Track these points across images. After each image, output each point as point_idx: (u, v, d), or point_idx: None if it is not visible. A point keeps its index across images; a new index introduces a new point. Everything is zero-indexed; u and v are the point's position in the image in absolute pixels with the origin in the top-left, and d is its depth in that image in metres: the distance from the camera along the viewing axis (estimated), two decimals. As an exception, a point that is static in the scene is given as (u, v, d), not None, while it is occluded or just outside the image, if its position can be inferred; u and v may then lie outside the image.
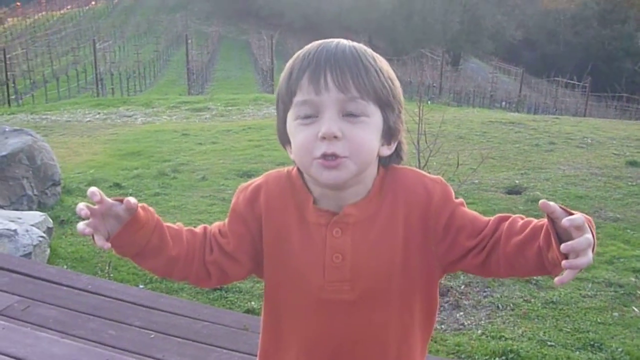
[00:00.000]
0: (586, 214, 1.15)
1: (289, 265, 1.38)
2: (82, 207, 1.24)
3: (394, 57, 34.84)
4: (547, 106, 28.31)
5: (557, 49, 47.86)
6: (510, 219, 1.31)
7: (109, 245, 1.28)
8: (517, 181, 7.34)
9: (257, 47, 35.66)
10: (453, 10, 45.05)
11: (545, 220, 1.19)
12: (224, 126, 11.61)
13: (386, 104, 1.31)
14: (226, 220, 1.44)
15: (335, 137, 1.25)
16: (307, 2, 45.85)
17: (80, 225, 1.26)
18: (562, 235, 1.14)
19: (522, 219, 1.29)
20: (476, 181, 7.13)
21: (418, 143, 4.91)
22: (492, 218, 1.34)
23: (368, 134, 1.29)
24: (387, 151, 1.35)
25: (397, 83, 1.35)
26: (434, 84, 25.79)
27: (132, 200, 1.27)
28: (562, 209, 1.14)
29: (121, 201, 1.28)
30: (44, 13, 44.38)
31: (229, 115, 13.78)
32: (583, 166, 8.20)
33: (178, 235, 1.39)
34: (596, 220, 5.86)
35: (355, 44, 1.33)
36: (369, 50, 1.33)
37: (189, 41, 25.48)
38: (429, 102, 19.11)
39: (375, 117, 1.30)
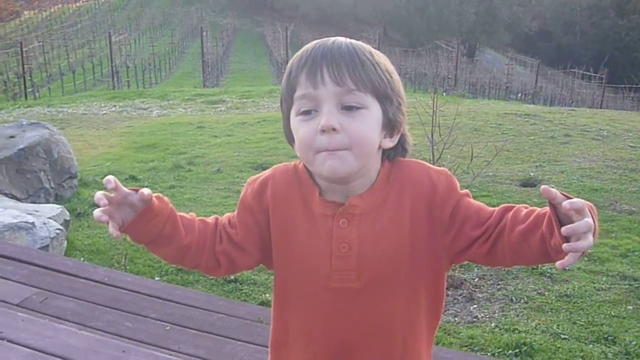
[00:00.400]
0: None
1: (297, 255, 1.41)
2: (100, 196, 1.29)
3: (409, 48, 34.78)
4: (563, 98, 28.10)
5: (574, 39, 47.55)
6: (515, 209, 1.33)
7: (118, 233, 1.32)
8: (531, 174, 7.32)
9: (271, 40, 35.65)
10: (469, 1, 44.81)
11: (548, 209, 1.21)
12: (239, 119, 11.64)
13: (384, 96, 1.34)
14: (236, 211, 1.48)
15: (334, 129, 1.28)
16: (322, -6, 45.82)
17: (97, 212, 1.30)
18: (564, 222, 1.16)
19: (526, 208, 1.32)
20: (491, 174, 7.11)
21: (432, 135, 4.90)
22: (496, 208, 1.36)
23: (367, 126, 1.31)
24: (389, 143, 1.38)
25: (395, 77, 1.38)
26: (449, 76, 25.63)
27: (147, 191, 1.31)
28: (563, 194, 1.16)
29: (136, 191, 1.32)
30: (60, 6, 44.55)
31: (244, 108, 13.82)
32: (598, 158, 8.16)
33: (191, 224, 1.43)
34: (611, 213, 5.84)
35: (352, 40, 1.36)
36: (367, 46, 1.36)
37: (204, 33, 25.53)
38: (444, 93, 19.07)
39: (374, 109, 1.33)
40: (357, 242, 1.36)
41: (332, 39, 1.36)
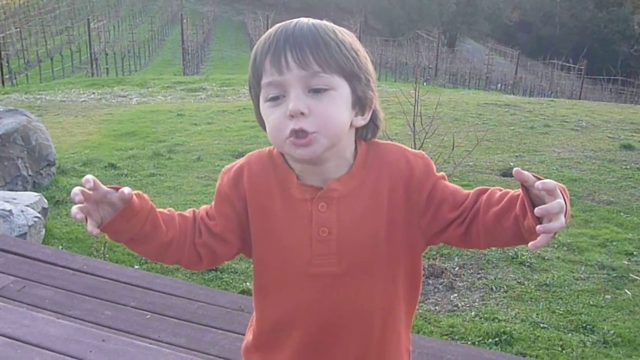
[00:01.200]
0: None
1: (276, 241, 1.40)
2: (76, 192, 1.25)
3: (390, 38, 34.76)
4: (542, 88, 28.24)
5: (553, 31, 47.81)
6: (489, 191, 1.34)
7: (97, 231, 1.30)
8: (511, 163, 7.35)
9: (252, 28, 35.44)
10: (449, -9, 44.90)
11: (521, 191, 1.22)
12: (219, 107, 11.58)
13: (351, 75, 1.32)
14: (213, 203, 1.47)
15: (302, 113, 1.27)
16: (303, -18, 45.67)
17: (74, 209, 1.27)
18: (536, 203, 1.17)
19: (500, 190, 1.33)
20: (471, 163, 7.15)
21: (414, 125, 4.91)
22: (472, 191, 1.37)
23: (335, 107, 1.30)
24: (362, 121, 1.37)
25: (362, 54, 1.36)
26: (430, 66, 25.65)
27: (127, 190, 1.29)
28: (535, 176, 1.17)
29: (116, 189, 1.30)
30: (37, -9, 43.94)
31: (224, 96, 13.75)
32: (577, 149, 8.22)
33: (171, 220, 1.41)
34: (590, 203, 5.88)
35: (315, 21, 1.34)
36: (330, 25, 1.34)
37: (184, 21, 25.34)
38: (425, 83, 19.11)
39: (342, 89, 1.32)
40: (336, 225, 1.36)
41: (295, 21, 1.34)
